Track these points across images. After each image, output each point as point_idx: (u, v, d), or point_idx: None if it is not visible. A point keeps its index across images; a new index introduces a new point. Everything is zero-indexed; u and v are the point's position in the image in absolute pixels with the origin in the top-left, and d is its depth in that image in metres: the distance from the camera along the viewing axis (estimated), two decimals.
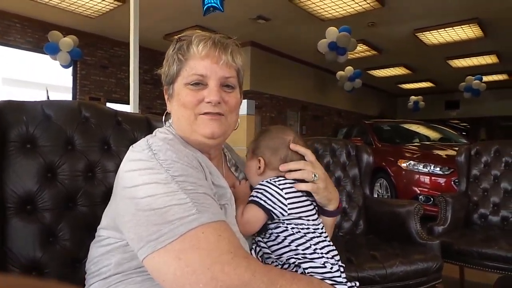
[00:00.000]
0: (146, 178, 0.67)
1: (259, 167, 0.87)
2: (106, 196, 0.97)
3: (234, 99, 0.81)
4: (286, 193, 0.81)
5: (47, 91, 5.55)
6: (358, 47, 7.08)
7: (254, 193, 0.84)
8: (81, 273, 0.85)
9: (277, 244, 0.80)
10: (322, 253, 0.77)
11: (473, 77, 9.69)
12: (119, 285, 0.72)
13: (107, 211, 0.80)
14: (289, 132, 0.91)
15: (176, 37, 0.83)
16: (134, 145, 0.76)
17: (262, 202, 0.81)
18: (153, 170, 0.67)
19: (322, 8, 6.02)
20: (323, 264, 0.75)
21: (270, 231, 0.82)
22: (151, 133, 0.84)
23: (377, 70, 10.51)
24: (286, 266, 0.77)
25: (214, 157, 0.85)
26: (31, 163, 0.89)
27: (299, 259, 0.76)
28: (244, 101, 3.52)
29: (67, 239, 0.90)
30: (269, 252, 0.81)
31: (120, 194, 0.70)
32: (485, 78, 9.87)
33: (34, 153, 0.90)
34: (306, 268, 0.74)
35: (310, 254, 0.77)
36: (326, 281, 0.72)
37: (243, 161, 1.00)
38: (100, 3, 5.80)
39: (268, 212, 0.80)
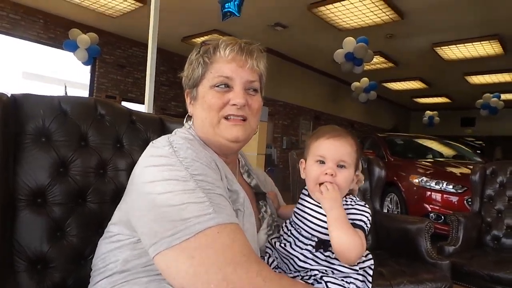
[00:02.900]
0: (165, 174, 0.67)
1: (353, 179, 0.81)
2: (116, 194, 0.97)
3: (257, 103, 0.82)
4: None
5: (65, 87, 5.65)
6: (374, 58, 7.03)
7: (361, 217, 0.76)
8: (85, 270, 0.85)
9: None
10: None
11: (491, 95, 9.52)
12: (124, 285, 0.72)
13: (120, 206, 0.80)
14: None
15: (200, 41, 0.84)
16: (154, 141, 0.76)
17: (366, 229, 0.75)
18: (173, 166, 0.68)
19: (340, 18, 6.01)
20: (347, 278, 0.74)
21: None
22: (165, 133, 0.85)
23: (393, 83, 10.42)
24: (306, 277, 0.75)
25: (230, 161, 0.85)
26: (44, 157, 0.89)
27: (324, 272, 0.74)
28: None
29: (74, 234, 0.91)
30: (289, 263, 0.78)
31: (136, 189, 0.71)
32: (503, 96, 9.69)
33: (49, 147, 0.91)
34: (328, 283, 0.72)
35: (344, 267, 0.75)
36: None
37: (256, 170, 1.00)
38: (122, 3, 5.91)
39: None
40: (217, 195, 0.67)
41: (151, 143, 0.76)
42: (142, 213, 0.67)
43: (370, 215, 0.77)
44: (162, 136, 0.77)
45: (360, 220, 0.75)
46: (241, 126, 0.79)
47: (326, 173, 0.77)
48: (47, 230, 0.87)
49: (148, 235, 0.65)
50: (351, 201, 0.78)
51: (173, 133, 0.83)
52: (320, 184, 0.77)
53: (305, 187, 0.86)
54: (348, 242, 0.70)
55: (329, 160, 0.78)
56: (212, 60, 0.79)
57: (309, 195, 0.82)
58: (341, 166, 0.78)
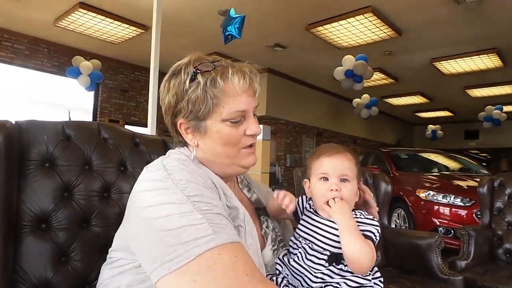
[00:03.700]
0: (161, 198, 0.66)
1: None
2: (120, 217, 0.95)
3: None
4: None
5: (69, 112, 5.72)
6: (374, 75, 7.09)
7: (371, 228, 0.77)
8: None
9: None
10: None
11: (493, 107, 9.52)
12: None
13: (119, 233, 0.79)
14: None
15: (193, 66, 0.77)
16: (148, 165, 0.76)
17: (375, 241, 0.76)
18: (168, 190, 0.67)
19: (338, 37, 6.11)
20: None
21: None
22: None
23: (394, 98, 10.47)
24: None
25: (228, 179, 0.84)
26: (48, 182, 0.89)
27: (338, 286, 0.73)
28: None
29: (79, 259, 0.90)
30: (302, 279, 0.76)
31: (133, 215, 0.70)
32: (506, 108, 9.69)
33: (52, 172, 0.91)
34: None
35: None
36: None
37: (254, 182, 0.99)
38: (123, 30, 6.04)
39: None
40: (215, 215, 0.66)
41: (145, 167, 0.75)
42: (141, 239, 0.66)
43: (379, 228, 0.79)
44: (156, 160, 0.77)
45: (370, 231, 0.77)
46: (254, 152, 0.81)
47: (332, 189, 0.79)
48: (51, 255, 0.86)
49: (148, 261, 0.64)
50: (360, 215, 0.80)
51: (167, 154, 0.82)
52: (327, 203, 0.79)
53: (308, 202, 0.87)
54: (359, 250, 0.71)
55: (332, 176, 0.80)
56: (223, 94, 0.75)
57: (315, 212, 0.83)
58: (344, 180, 0.80)
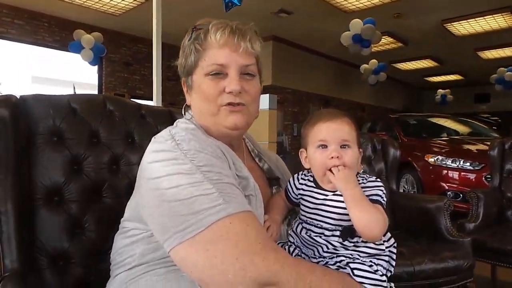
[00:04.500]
0: (170, 169, 0.66)
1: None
2: (130, 188, 0.96)
3: (254, 88, 0.79)
4: None
5: (74, 87, 5.71)
6: (383, 39, 6.89)
7: (376, 191, 0.73)
8: (106, 264, 0.86)
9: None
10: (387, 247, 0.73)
11: (506, 69, 9.25)
12: (143, 277, 0.72)
13: (130, 203, 0.80)
14: None
15: (192, 26, 0.81)
16: (156, 136, 0.75)
17: (384, 202, 0.73)
18: (177, 160, 0.67)
19: (345, 0, 5.89)
20: (375, 264, 0.71)
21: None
22: None
23: (403, 63, 10.22)
24: (331, 263, 0.72)
25: (236, 148, 0.83)
26: (57, 156, 0.90)
27: (350, 257, 0.71)
28: (266, 96, 3.48)
29: (93, 230, 0.92)
30: (315, 249, 0.75)
31: (144, 186, 0.70)
32: None
33: (61, 145, 0.92)
34: (354, 269, 0.69)
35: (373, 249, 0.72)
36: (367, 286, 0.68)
37: (263, 151, 0.98)
38: (124, 0, 5.90)
39: None
40: (226, 184, 0.65)
41: (153, 138, 0.75)
42: (152, 209, 0.67)
43: (384, 188, 0.76)
44: (164, 130, 0.76)
45: (376, 194, 0.73)
46: (239, 113, 0.76)
47: (332, 157, 0.74)
48: (65, 227, 0.88)
49: (160, 231, 0.65)
50: (362, 179, 0.76)
51: (174, 124, 0.81)
52: (329, 170, 0.75)
53: (302, 177, 0.82)
54: (369, 218, 0.68)
55: (331, 142, 0.75)
56: (204, 47, 0.76)
57: (317, 187, 0.78)
58: (344, 146, 0.75)
